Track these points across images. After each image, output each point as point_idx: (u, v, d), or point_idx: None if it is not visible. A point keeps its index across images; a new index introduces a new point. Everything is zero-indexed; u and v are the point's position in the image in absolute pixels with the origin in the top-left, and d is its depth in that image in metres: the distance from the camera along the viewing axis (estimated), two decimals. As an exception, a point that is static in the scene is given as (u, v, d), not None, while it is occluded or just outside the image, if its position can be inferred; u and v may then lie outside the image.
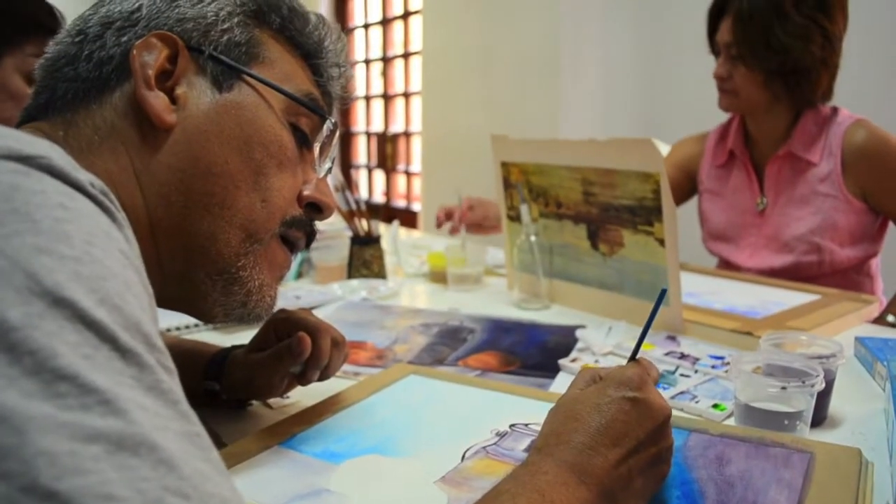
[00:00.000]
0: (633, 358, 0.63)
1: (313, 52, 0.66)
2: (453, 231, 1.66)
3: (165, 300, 0.58)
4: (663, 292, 0.65)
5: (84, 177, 0.37)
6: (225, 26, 0.59)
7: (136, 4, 0.58)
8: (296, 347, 0.73)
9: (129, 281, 0.35)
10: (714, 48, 1.52)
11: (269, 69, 0.61)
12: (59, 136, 0.55)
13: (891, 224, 1.47)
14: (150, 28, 0.57)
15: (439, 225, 1.69)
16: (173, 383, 0.34)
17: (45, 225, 0.32)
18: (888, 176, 1.39)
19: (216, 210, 0.57)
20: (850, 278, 1.47)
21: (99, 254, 0.34)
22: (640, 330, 1.10)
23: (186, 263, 0.57)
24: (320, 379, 0.78)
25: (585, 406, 0.56)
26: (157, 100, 0.55)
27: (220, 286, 0.59)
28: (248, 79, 0.59)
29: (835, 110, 1.46)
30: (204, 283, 0.58)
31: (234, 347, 0.82)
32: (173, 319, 1.16)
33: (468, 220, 1.64)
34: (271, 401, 0.85)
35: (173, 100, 0.56)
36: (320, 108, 0.65)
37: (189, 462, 0.31)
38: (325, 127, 0.66)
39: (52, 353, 0.29)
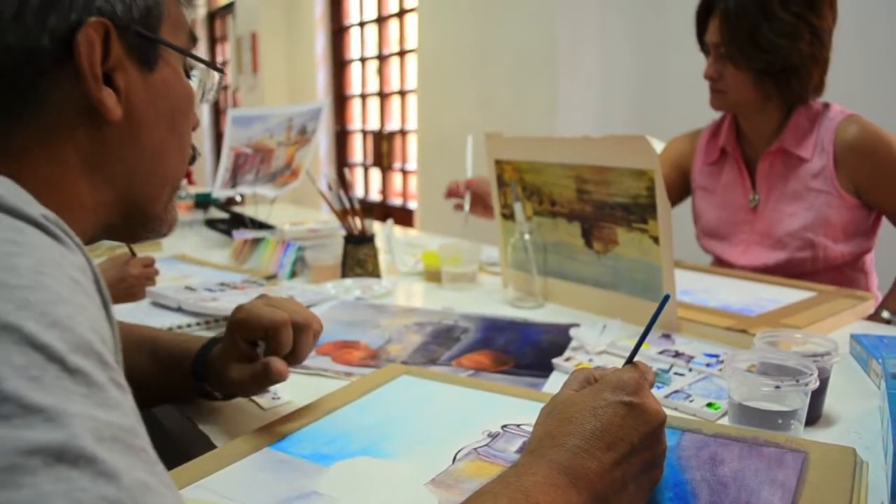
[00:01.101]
0: (629, 361, 0.63)
1: None
2: (458, 207, 1.63)
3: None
4: (666, 298, 0.65)
5: (36, 210, 0.39)
6: None
7: None
8: (274, 377, 0.73)
9: (80, 304, 0.37)
10: (704, 48, 1.51)
11: (171, 25, 0.58)
12: None
13: (885, 219, 1.46)
14: (75, 8, 0.50)
15: (448, 195, 1.66)
16: (124, 400, 0.35)
17: None
18: (881, 171, 1.38)
19: (156, 181, 0.60)
20: (844, 274, 1.46)
21: (49, 282, 0.36)
22: (634, 328, 1.10)
23: (126, 222, 0.60)
24: (291, 365, 0.76)
25: (580, 408, 0.55)
26: (108, 97, 0.52)
27: (150, 229, 0.63)
28: (164, 48, 0.57)
29: (826, 106, 1.45)
30: (138, 233, 0.63)
31: (213, 341, 0.81)
32: (166, 320, 1.16)
33: (475, 188, 1.61)
34: (262, 401, 0.84)
35: (115, 89, 0.53)
36: (216, 65, 0.67)
37: (130, 474, 0.31)
38: (216, 76, 0.67)
39: None
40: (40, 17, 0.48)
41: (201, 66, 0.65)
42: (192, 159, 0.66)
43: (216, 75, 0.67)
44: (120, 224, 0.59)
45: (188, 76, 0.63)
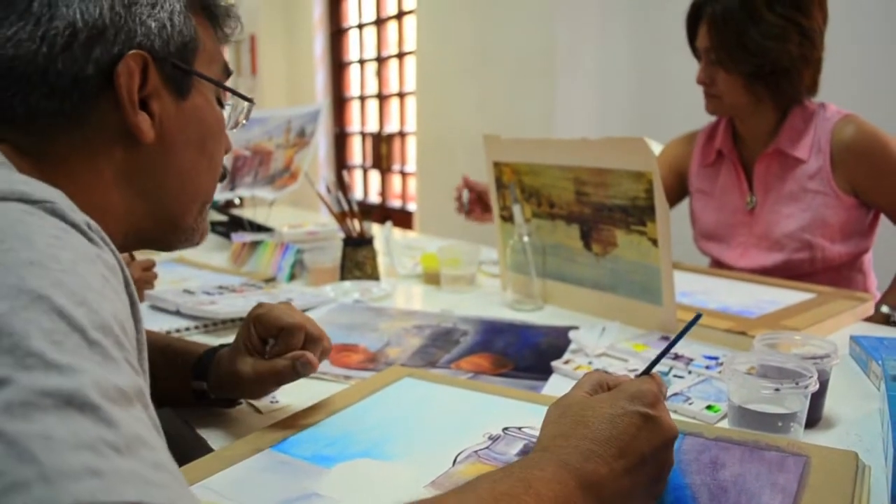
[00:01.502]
0: (647, 372, 0.62)
1: (221, 15, 0.69)
2: (460, 210, 1.62)
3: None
4: (698, 317, 0.65)
5: (80, 218, 0.45)
6: (178, 29, 0.61)
7: (97, 12, 0.55)
8: (301, 370, 0.74)
9: (106, 296, 0.41)
10: (696, 53, 1.51)
11: (204, 56, 0.65)
12: (32, 153, 0.55)
13: (883, 218, 1.46)
14: (118, 42, 0.56)
15: (460, 209, 1.64)
16: (135, 377, 0.39)
17: (39, 246, 0.40)
18: (878, 171, 1.38)
19: (185, 198, 0.66)
20: (842, 275, 1.46)
21: (83, 271, 0.41)
22: (633, 330, 1.10)
23: (158, 233, 0.67)
24: (299, 377, 0.77)
25: (596, 413, 0.56)
26: (143, 121, 0.59)
27: (182, 239, 0.69)
28: (197, 79, 0.64)
29: (823, 106, 1.45)
30: (171, 242, 0.69)
31: (221, 346, 0.83)
32: (164, 324, 1.15)
33: (472, 185, 1.59)
34: (261, 405, 0.84)
35: (150, 113, 0.59)
36: (246, 96, 0.73)
37: (129, 426, 0.35)
38: (245, 105, 0.74)
39: (25, 335, 0.35)
40: (87, 48, 0.55)
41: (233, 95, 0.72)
42: (223, 177, 0.72)
43: (246, 104, 0.74)
44: (154, 234, 0.66)
45: (221, 105, 0.70)
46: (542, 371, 0.96)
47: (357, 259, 1.47)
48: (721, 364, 0.93)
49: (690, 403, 0.82)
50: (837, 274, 1.45)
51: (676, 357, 0.97)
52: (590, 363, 0.97)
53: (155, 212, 0.64)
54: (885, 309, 1.23)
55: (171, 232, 0.67)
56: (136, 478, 0.33)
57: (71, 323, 0.37)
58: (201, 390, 0.81)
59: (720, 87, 1.44)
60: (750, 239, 1.51)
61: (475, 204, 1.60)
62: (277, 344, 0.77)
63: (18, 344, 0.35)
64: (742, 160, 1.54)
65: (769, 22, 1.35)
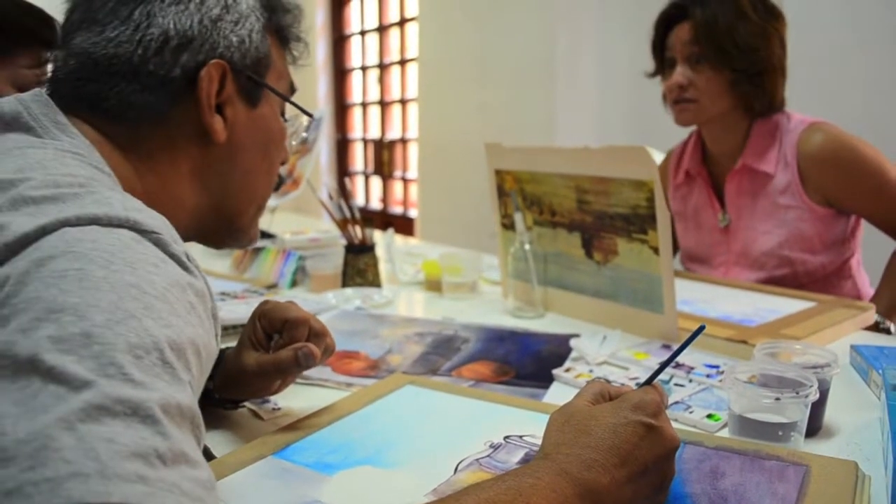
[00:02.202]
0: (649, 382, 0.63)
1: (292, 39, 0.77)
2: None
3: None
4: (701, 328, 0.65)
5: (179, 249, 0.51)
6: (255, 45, 0.69)
7: (188, 24, 0.64)
8: (303, 361, 0.75)
9: (190, 322, 0.47)
10: (661, 64, 1.50)
11: (274, 73, 0.73)
12: (122, 144, 0.63)
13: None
14: (203, 52, 0.64)
15: None
16: (193, 398, 0.44)
17: (140, 272, 0.46)
18: (851, 178, 1.35)
19: (244, 198, 0.73)
20: (830, 283, 1.44)
21: (172, 299, 0.46)
22: (634, 338, 1.10)
23: (217, 228, 0.74)
24: (301, 369, 0.78)
25: (600, 423, 0.56)
26: (218, 123, 0.66)
27: (235, 237, 0.76)
28: (267, 91, 0.71)
29: (787, 116, 1.42)
30: (224, 239, 0.76)
31: (227, 348, 0.83)
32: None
33: None
34: (262, 412, 0.85)
35: (223, 117, 0.67)
36: (307, 111, 0.79)
37: (180, 441, 0.39)
38: (305, 119, 0.80)
39: (113, 348, 0.40)
40: (176, 54, 0.63)
41: (293, 110, 0.79)
42: (278, 185, 0.79)
43: (305, 119, 0.80)
44: (212, 228, 0.73)
45: (284, 117, 0.76)
46: (543, 379, 0.96)
47: (359, 266, 1.48)
48: (722, 373, 0.93)
49: (691, 412, 0.82)
50: (825, 283, 1.43)
51: (677, 366, 0.97)
52: (591, 371, 0.97)
53: (217, 208, 0.71)
54: (875, 317, 1.23)
55: (227, 229, 0.74)
56: (176, 489, 0.37)
57: (153, 343, 0.42)
58: (206, 389, 0.81)
59: (700, 89, 1.40)
60: (730, 258, 1.50)
61: None
62: (282, 338, 0.78)
63: (105, 352, 0.40)
64: (712, 179, 1.52)
65: (754, 22, 1.35)
